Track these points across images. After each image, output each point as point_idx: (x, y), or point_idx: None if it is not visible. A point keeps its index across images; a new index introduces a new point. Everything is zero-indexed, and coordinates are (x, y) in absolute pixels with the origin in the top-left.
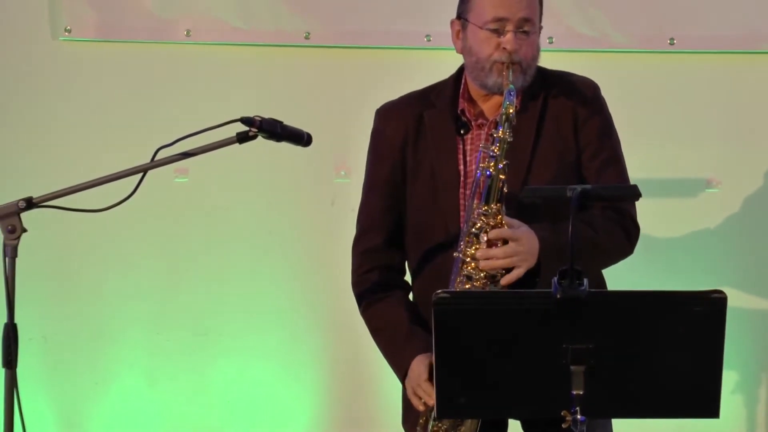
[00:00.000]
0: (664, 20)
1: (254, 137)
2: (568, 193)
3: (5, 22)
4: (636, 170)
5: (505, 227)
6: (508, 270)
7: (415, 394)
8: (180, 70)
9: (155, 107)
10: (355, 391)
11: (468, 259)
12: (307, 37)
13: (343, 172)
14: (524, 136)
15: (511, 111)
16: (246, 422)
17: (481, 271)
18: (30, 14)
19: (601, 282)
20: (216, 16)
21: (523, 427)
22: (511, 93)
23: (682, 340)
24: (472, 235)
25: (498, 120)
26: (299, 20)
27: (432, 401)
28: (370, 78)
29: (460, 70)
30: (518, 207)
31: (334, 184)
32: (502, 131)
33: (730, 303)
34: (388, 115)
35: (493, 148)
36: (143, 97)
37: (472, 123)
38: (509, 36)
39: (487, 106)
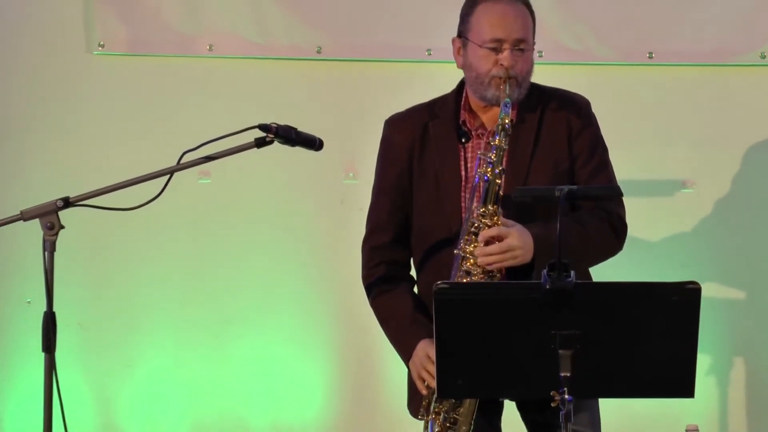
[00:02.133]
0: (644, 36)
1: (271, 142)
2: (557, 193)
3: (45, 37)
4: (618, 172)
5: (500, 226)
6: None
7: (419, 377)
8: (203, 81)
9: (180, 115)
10: (364, 372)
11: (467, 256)
12: (318, 51)
13: (351, 174)
14: (523, 146)
15: (506, 121)
16: (265, 400)
17: (479, 267)
18: (67, 30)
19: (588, 277)
20: (236, 32)
21: (518, 407)
22: (507, 105)
23: (660, 327)
24: (471, 234)
25: (495, 129)
26: (311, 35)
27: (435, 383)
28: (376, 88)
29: (461, 85)
30: (516, 208)
31: (343, 184)
32: (499, 139)
33: (703, 293)
34: (396, 125)
35: (491, 155)
36: (170, 106)
37: (473, 132)
38: (506, 53)
39: (486, 117)
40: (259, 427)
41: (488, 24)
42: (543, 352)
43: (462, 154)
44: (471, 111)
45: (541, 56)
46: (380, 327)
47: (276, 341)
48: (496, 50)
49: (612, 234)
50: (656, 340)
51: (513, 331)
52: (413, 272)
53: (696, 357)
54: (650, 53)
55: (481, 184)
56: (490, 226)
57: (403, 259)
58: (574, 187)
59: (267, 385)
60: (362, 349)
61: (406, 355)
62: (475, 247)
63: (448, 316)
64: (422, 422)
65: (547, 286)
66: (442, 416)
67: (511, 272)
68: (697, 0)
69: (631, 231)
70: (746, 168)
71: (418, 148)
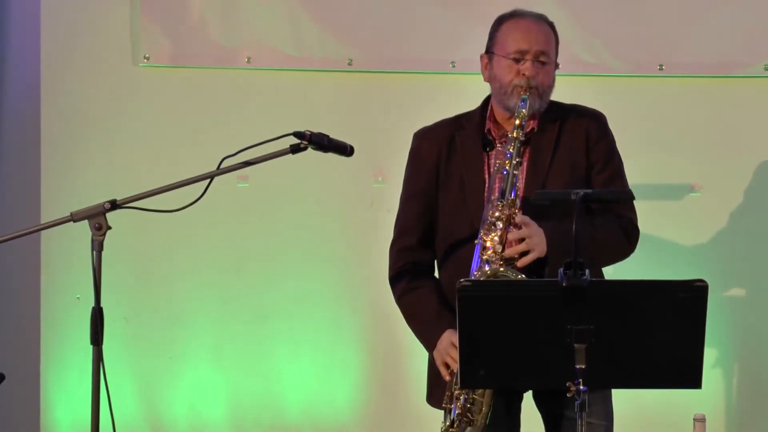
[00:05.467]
0: (654, 49)
1: (305, 148)
2: (573, 196)
3: (94, 51)
4: (630, 176)
5: (518, 218)
6: (523, 255)
7: (443, 364)
8: (241, 91)
9: (220, 123)
10: (391, 364)
11: (487, 245)
12: (350, 63)
13: (380, 178)
14: (543, 153)
15: (524, 113)
16: (297, 391)
17: (498, 254)
18: (114, 44)
19: (600, 277)
20: (272, 46)
21: (533, 396)
22: (525, 100)
23: (669, 322)
24: (490, 225)
25: (513, 125)
26: (343, 49)
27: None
28: (404, 98)
29: (487, 99)
30: (534, 209)
31: (372, 188)
32: (516, 132)
33: (710, 290)
34: (424, 137)
35: (509, 147)
36: (210, 114)
37: (497, 141)
38: (527, 64)
39: (511, 127)
40: (293, 413)
41: (512, 37)
42: (559, 346)
43: (486, 161)
44: (496, 122)
45: (558, 68)
46: (405, 323)
47: (309, 335)
48: (519, 61)
49: (624, 237)
50: (666, 334)
51: (531, 326)
52: (436, 273)
53: (703, 350)
54: (660, 65)
55: (500, 176)
56: (508, 216)
57: (428, 261)
58: (590, 190)
59: (301, 376)
60: (389, 342)
61: (430, 345)
62: (494, 236)
63: (471, 311)
64: (442, 412)
65: (564, 284)
66: (462, 398)
67: (525, 268)
68: (704, 15)
69: (642, 232)
70: (750, 173)
71: (445, 155)
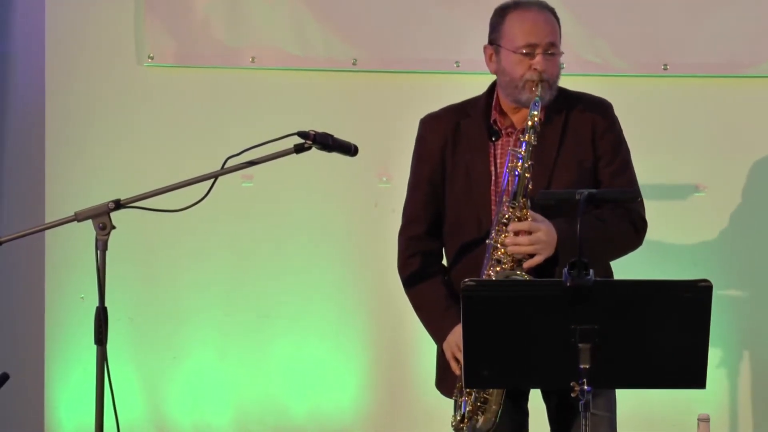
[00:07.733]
0: (659, 49)
1: (309, 148)
2: (577, 197)
3: (98, 50)
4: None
5: (530, 220)
6: (531, 256)
7: (454, 358)
8: (246, 91)
9: (225, 122)
10: (395, 362)
11: (498, 245)
12: (354, 63)
13: (384, 178)
14: (549, 144)
15: (536, 119)
16: (302, 391)
17: (509, 255)
18: (119, 44)
19: (609, 273)
20: (277, 45)
21: (542, 394)
22: (536, 104)
23: (674, 322)
24: (501, 225)
25: (525, 126)
26: (348, 49)
27: None
28: (408, 98)
29: (492, 87)
30: (540, 211)
31: (377, 188)
32: (528, 135)
33: (714, 290)
34: (430, 124)
35: (520, 150)
36: (214, 114)
37: (502, 131)
38: (539, 58)
39: (516, 118)
40: (298, 414)
41: (521, 31)
42: (564, 346)
43: (492, 151)
44: (501, 112)
45: (562, 68)
46: (414, 315)
47: (313, 334)
48: (529, 55)
49: (632, 230)
50: (670, 334)
51: (535, 326)
52: (444, 262)
53: (707, 350)
54: (665, 65)
55: (512, 177)
56: (519, 218)
57: (436, 250)
58: (594, 190)
59: (305, 376)
60: (393, 340)
61: (440, 337)
62: (505, 237)
63: (475, 311)
64: (451, 404)
65: (568, 284)
66: (473, 396)
67: (538, 269)
68: (709, 15)
69: (647, 231)
70: (755, 173)
71: (451, 144)
